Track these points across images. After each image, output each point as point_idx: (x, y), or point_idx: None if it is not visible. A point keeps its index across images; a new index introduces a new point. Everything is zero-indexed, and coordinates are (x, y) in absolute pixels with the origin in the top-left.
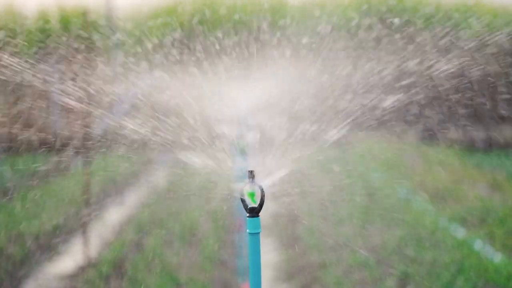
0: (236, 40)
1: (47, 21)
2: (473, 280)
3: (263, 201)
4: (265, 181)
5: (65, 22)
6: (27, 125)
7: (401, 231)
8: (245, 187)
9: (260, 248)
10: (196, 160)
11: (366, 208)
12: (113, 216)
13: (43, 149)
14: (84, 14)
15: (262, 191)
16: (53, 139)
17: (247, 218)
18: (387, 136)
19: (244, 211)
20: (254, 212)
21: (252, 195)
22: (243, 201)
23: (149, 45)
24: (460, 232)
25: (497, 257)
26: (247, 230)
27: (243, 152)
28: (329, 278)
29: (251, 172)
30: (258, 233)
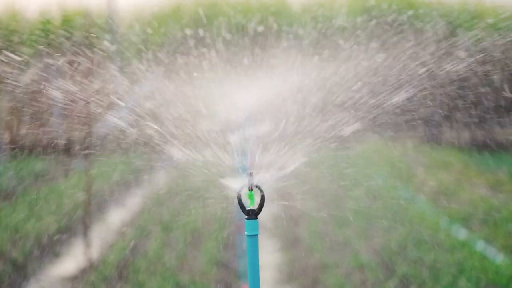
0: (239, 41)
1: (48, 22)
2: (474, 280)
3: (263, 203)
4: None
5: (67, 23)
6: (29, 127)
7: (402, 232)
8: (244, 189)
9: (259, 250)
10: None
11: (367, 209)
12: (115, 218)
13: (44, 151)
14: (85, 15)
15: (262, 192)
16: (54, 141)
17: (246, 220)
18: (389, 136)
19: (243, 213)
20: (252, 214)
21: (251, 197)
22: (240, 203)
23: (150, 47)
24: (462, 233)
25: (499, 258)
26: (246, 232)
27: (243, 152)
28: (330, 279)
29: (250, 173)
30: (257, 235)
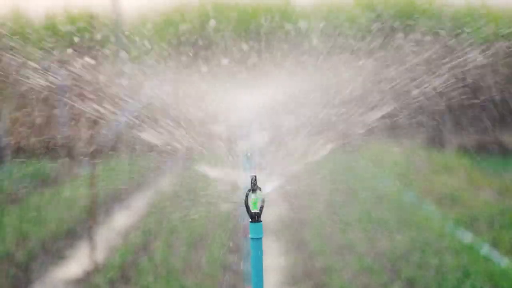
0: (242, 44)
1: (53, 25)
2: (479, 284)
3: (263, 206)
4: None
5: (72, 25)
6: (33, 130)
7: (408, 236)
8: (249, 193)
9: (263, 253)
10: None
11: (373, 212)
12: (120, 221)
13: (49, 154)
14: (90, 18)
15: (261, 195)
16: (58, 144)
17: (250, 224)
18: (394, 140)
19: (247, 216)
20: (255, 218)
21: (255, 200)
22: (247, 207)
23: (154, 50)
24: (467, 237)
25: (504, 262)
26: (250, 235)
27: (247, 157)
28: (335, 282)
29: (253, 177)
30: (261, 238)
